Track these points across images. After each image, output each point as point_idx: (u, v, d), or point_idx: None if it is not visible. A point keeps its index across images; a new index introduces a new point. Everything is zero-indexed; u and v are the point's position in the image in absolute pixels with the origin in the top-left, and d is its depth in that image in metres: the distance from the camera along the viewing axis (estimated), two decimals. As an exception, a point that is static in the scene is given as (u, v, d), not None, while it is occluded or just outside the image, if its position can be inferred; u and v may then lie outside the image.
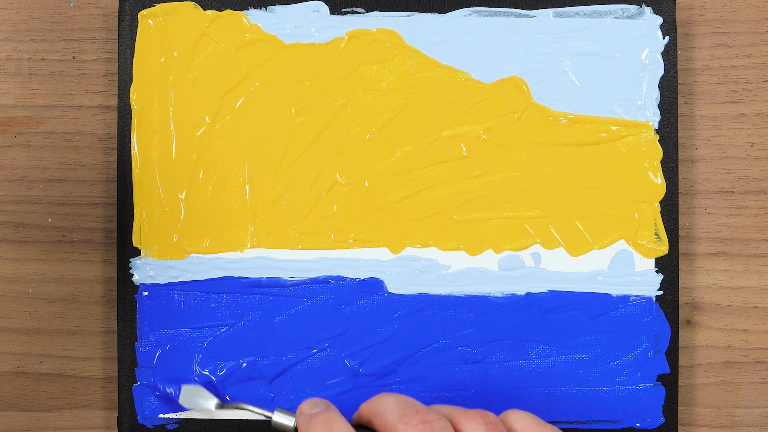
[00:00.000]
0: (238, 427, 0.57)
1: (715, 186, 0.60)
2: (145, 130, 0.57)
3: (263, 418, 0.53)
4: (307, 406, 0.51)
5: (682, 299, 0.59)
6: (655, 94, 0.58)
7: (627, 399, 0.57)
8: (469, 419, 0.48)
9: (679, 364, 0.59)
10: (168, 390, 0.57)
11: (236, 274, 0.57)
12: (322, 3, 0.58)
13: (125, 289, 0.57)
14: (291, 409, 0.55)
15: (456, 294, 0.58)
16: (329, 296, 0.58)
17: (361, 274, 0.58)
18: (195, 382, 0.57)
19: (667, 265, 0.58)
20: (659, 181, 0.58)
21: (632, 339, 0.57)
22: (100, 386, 0.59)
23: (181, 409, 0.56)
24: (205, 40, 0.58)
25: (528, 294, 0.58)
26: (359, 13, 0.58)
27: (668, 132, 0.58)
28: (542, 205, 0.58)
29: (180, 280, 0.57)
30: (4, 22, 0.59)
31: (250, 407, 0.54)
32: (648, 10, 0.58)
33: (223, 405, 0.55)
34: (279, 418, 0.51)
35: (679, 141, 0.59)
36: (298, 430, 0.50)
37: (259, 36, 0.58)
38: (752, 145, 0.60)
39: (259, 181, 0.58)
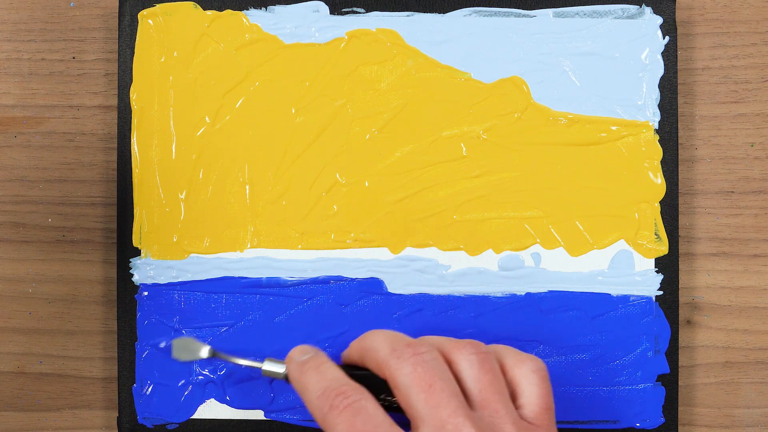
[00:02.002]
0: (239, 427, 0.57)
1: (715, 186, 0.60)
2: (145, 130, 0.57)
3: (253, 367, 0.53)
4: (297, 353, 0.51)
5: (682, 299, 0.59)
6: (655, 94, 0.58)
7: (627, 399, 0.57)
8: (461, 349, 0.49)
9: (679, 364, 0.59)
10: (160, 345, 0.57)
11: (236, 274, 0.57)
12: (322, 3, 0.58)
13: (125, 289, 0.57)
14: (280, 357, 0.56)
15: (456, 294, 0.58)
16: (329, 296, 0.58)
17: (361, 274, 0.58)
18: (182, 334, 0.57)
19: (667, 265, 0.58)
20: (659, 181, 0.58)
21: (632, 339, 0.57)
22: (100, 386, 0.59)
23: (181, 362, 0.56)
24: (205, 40, 0.58)
25: (528, 294, 0.58)
26: (359, 13, 0.58)
27: (668, 132, 0.58)
28: (542, 205, 0.58)
29: (180, 280, 0.57)
30: (4, 22, 0.59)
31: (239, 359, 0.54)
32: (648, 10, 0.58)
33: (214, 353, 0.54)
34: (269, 366, 0.52)
35: (679, 141, 0.59)
36: (290, 377, 0.51)
37: (259, 36, 0.58)
38: (752, 145, 0.60)
39: (259, 181, 0.58)
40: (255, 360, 0.53)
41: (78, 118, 0.59)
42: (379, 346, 0.49)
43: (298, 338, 0.57)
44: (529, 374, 0.49)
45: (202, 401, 0.57)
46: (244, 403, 0.57)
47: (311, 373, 0.49)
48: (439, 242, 0.58)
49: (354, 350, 0.51)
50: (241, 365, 0.54)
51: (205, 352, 0.54)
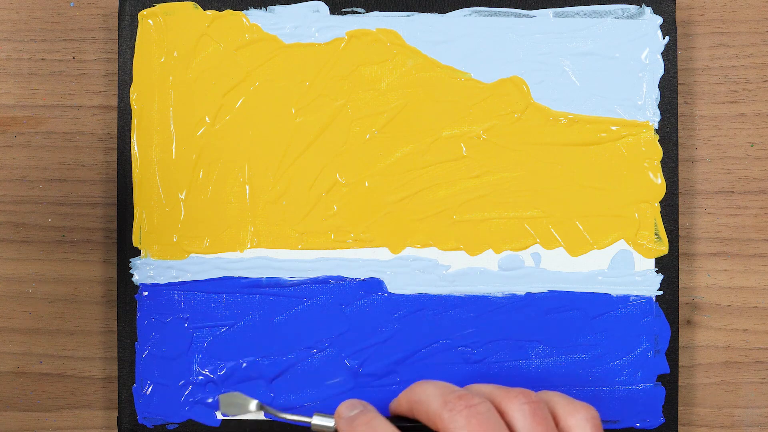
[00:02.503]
0: (239, 427, 0.57)
1: (715, 186, 0.60)
2: (145, 130, 0.57)
3: (301, 423, 0.53)
4: (345, 408, 0.51)
5: (682, 299, 0.59)
6: (655, 94, 0.58)
7: (627, 399, 0.57)
8: (512, 399, 0.49)
9: (679, 364, 0.59)
10: (208, 401, 0.57)
11: (236, 274, 0.57)
12: (322, 3, 0.58)
13: (125, 289, 0.57)
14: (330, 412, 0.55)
15: (456, 294, 0.58)
16: (329, 296, 0.58)
17: (361, 274, 0.58)
18: (225, 390, 0.57)
19: (667, 265, 0.58)
20: (659, 181, 0.58)
21: (632, 339, 0.57)
22: (100, 386, 0.59)
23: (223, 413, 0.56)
24: (205, 40, 0.58)
25: (528, 294, 0.58)
26: (359, 13, 0.58)
27: (668, 132, 0.58)
28: (542, 205, 0.58)
29: (180, 280, 0.57)
30: (4, 22, 0.59)
31: (287, 415, 0.53)
32: (648, 10, 0.58)
33: (261, 406, 0.54)
34: (318, 421, 0.52)
35: (679, 141, 0.59)
36: None
37: (259, 36, 0.58)
38: (752, 145, 0.60)
39: (259, 181, 0.58)
40: (303, 415, 0.53)
41: (78, 118, 0.59)
42: (429, 398, 0.49)
43: (298, 338, 0.57)
44: (582, 423, 0.49)
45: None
46: (244, 403, 0.57)
47: (362, 429, 0.49)
48: (439, 242, 0.58)
49: (403, 402, 0.51)
50: (289, 420, 0.53)
51: (253, 406, 0.54)
